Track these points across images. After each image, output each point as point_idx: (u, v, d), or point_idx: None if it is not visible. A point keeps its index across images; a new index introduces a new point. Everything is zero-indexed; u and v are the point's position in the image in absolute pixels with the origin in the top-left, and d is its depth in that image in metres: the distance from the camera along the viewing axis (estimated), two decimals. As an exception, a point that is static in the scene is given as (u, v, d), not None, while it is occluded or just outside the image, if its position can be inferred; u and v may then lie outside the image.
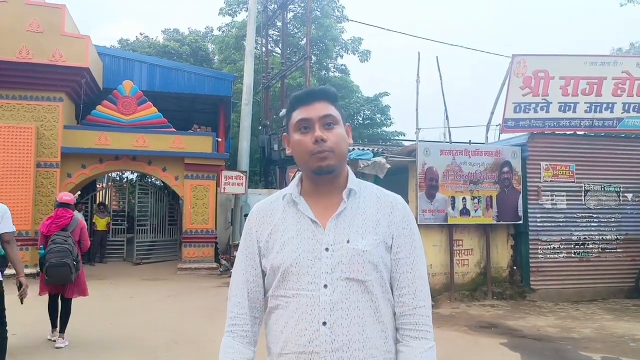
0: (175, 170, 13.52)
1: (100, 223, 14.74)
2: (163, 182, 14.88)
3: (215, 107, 18.25)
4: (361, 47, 27.51)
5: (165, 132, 13.47)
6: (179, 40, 30.46)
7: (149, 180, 22.08)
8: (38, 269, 6.64)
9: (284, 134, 1.69)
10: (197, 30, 33.56)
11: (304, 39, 25.72)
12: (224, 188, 13.94)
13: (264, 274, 1.60)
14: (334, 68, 29.54)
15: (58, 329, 6.21)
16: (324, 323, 1.43)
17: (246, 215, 9.52)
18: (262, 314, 1.62)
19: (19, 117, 12.13)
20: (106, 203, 16.78)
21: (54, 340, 6.18)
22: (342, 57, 28.44)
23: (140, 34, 33.85)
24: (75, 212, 7.06)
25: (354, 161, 9.66)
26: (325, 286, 1.45)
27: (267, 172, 20.16)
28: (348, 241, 1.48)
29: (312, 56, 21.60)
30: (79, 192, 15.74)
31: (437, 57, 10.23)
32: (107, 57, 15.41)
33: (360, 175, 10.24)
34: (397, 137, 27.53)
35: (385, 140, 26.89)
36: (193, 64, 26.55)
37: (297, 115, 1.58)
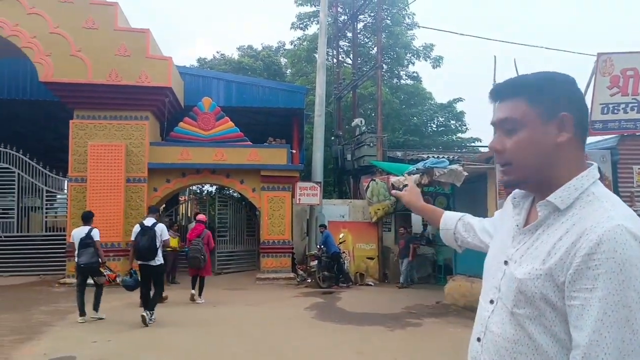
0: (252, 183, 13.91)
1: (173, 242, 15.07)
2: (240, 194, 15.34)
3: (288, 119, 18.62)
4: (433, 53, 27.09)
5: (242, 146, 13.91)
6: (253, 55, 31.43)
7: (227, 192, 22.84)
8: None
9: None
10: (269, 46, 34.47)
11: (375, 48, 25.71)
12: (299, 199, 14.15)
13: (484, 242, 1.64)
14: (405, 76, 29.28)
15: (197, 292, 10.26)
16: (478, 339, 1.34)
17: (321, 226, 9.56)
18: (472, 236, 1.73)
19: (110, 135, 12.99)
20: (178, 222, 17.34)
21: (194, 299, 10.19)
22: (413, 64, 28.16)
23: (217, 52, 35.33)
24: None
25: (429, 169, 9.51)
26: (492, 301, 1.32)
27: (341, 182, 20.26)
28: (515, 262, 1.28)
29: (384, 65, 21.52)
30: (164, 205, 16.55)
31: (514, 59, 9.87)
32: (187, 76, 16.19)
33: (436, 184, 10.07)
34: (473, 144, 26.76)
35: (460, 147, 26.20)
36: (267, 78, 27.28)
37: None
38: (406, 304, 10.24)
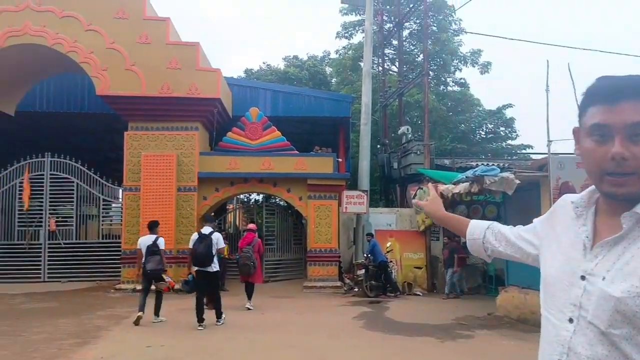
0: (298, 191, 14.00)
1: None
2: (287, 203, 15.47)
3: (334, 128, 18.68)
4: (481, 59, 26.60)
5: (289, 155, 14.04)
6: (299, 65, 31.77)
7: (274, 201, 23.09)
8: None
9: (576, 127, 1.32)
10: (315, 55, 34.76)
11: (421, 56, 25.47)
12: (346, 207, 14.13)
13: (522, 251, 1.54)
14: (452, 82, 28.85)
15: (249, 299, 10.47)
16: None
17: (368, 235, 9.56)
18: (512, 247, 1.59)
19: (162, 146, 13.39)
20: (226, 230, 17.71)
21: (248, 308, 10.35)
22: (460, 70, 27.70)
23: (263, 62, 35.90)
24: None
25: (479, 178, 9.30)
26: (570, 320, 1.24)
27: (387, 190, 20.09)
28: (603, 278, 1.19)
29: (430, 72, 21.29)
30: (212, 214, 16.89)
31: (568, 64, 9.55)
32: (235, 87, 16.54)
33: (487, 192, 9.83)
34: (524, 151, 26.02)
35: (511, 154, 25.53)
36: (312, 87, 27.49)
37: (592, 114, 1.23)
38: (456, 315, 10.01)
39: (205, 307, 8.57)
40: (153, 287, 8.92)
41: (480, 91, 50.22)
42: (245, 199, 28.38)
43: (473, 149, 25.23)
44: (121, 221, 13.98)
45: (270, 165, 13.80)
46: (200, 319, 8.40)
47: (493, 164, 11.27)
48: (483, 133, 27.73)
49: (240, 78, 28.04)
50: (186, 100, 13.17)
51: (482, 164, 10.30)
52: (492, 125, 27.35)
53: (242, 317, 9.61)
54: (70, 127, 19.05)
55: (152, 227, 9.18)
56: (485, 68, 26.56)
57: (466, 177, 10.05)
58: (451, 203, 13.65)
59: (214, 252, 8.52)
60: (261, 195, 24.54)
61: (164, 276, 8.90)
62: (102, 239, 14.70)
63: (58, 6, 12.76)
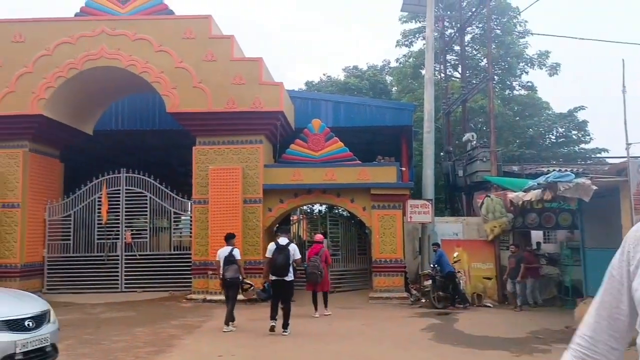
0: (362, 201, 13.95)
1: None
2: (350, 213, 15.45)
3: (396, 137, 18.53)
4: (549, 60, 25.59)
5: (352, 165, 14.04)
6: (359, 75, 31.84)
7: (337, 211, 23.14)
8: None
9: None
10: (374, 65, 34.73)
11: (484, 60, 24.88)
12: (411, 217, 13.93)
13: (632, 300, 1.30)
14: (519, 86, 27.93)
15: (324, 305, 11.01)
16: None
17: (434, 244, 9.35)
18: (622, 347, 1.33)
19: (228, 159, 13.77)
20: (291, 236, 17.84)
21: (326, 313, 10.88)
22: (527, 73, 26.81)
23: (323, 74, 36.25)
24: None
25: (552, 184, 8.91)
26: None
27: (453, 199, 19.66)
28: None
29: (494, 76, 20.71)
30: (277, 225, 17.13)
31: (622, 60, 8.99)
32: (297, 100, 16.79)
33: (560, 199, 9.39)
34: (599, 155, 24.69)
35: (584, 159, 24.29)
36: (372, 97, 27.44)
37: None
38: (531, 328, 9.58)
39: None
40: (240, 296, 9.68)
41: (548, 94, 48.25)
42: (309, 210, 28.64)
43: (543, 155, 24.23)
44: (190, 233, 14.48)
45: (333, 176, 13.84)
46: (273, 318, 8.89)
47: (566, 170, 10.76)
48: (553, 137, 26.59)
49: (302, 90, 28.47)
50: (250, 114, 13.50)
51: (555, 170, 9.84)
52: (563, 129, 26.19)
53: (309, 327, 9.66)
54: (142, 143, 20.04)
55: (228, 238, 9.81)
56: (554, 70, 25.56)
57: (538, 183, 9.65)
58: (521, 211, 13.17)
59: (291, 262, 8.97)
60: (324, 206, 24.70)
61: (246, 281, 9.59)
62: (173, 250, 15.28)
63: (131, 30, 13.49)
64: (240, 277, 9.44)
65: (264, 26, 77.54)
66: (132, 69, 13.44)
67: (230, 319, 9.27)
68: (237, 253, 9.52)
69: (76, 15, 13.90)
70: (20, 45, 13.54)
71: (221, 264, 9.42)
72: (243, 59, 14.04)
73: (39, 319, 5.66)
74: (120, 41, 13.46)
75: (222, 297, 12.34)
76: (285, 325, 8.90)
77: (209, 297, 12.99)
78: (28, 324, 5.45)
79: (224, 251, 9.54)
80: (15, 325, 5.34)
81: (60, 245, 14.66)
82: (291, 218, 21.84)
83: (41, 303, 6.06)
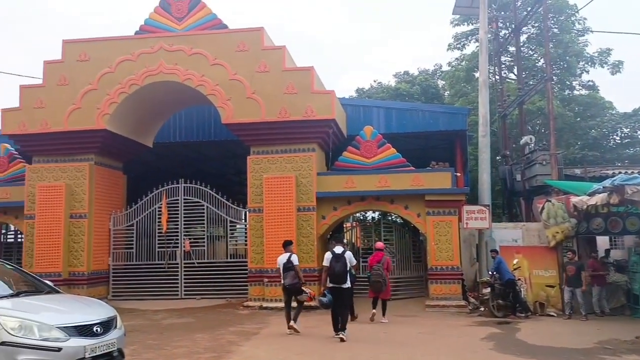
0: (416, 208, 13.77)
1: None
2: (403, 219, 15.27)
3: (450, 142, 18.20)
4: (611, 58, 24.48)
5: (405, 171, 13.89)
6: (410, 81, 31.59)
7: (390, 218, 22.95)
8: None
9: None
10: (426, 69, 34.35)
11: (541, 60, 24.12)
12: (467, 223, 13.62)
13: None
14: (579, 86, 26.85)
15: (381, 313, 11.17)
16: None
17: (493, 251, 9.11)
18: None
19: (281, 168, 13.95)
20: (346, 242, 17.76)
21: (372, 319, 11.01)
22: (587, 72, 25.74)
23: (374, 80, 36.19)
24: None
25: (619, 187, 8.49)
26: None
27: (511, 204, 19.09)
28: None
29: (553, 76, 20.01)
30: (330, 233, 17.16)
31: None
32: (348, 107, 16.81)
33: (628, 203, 8.94)
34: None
35: (652, 159, 23.04)
36: (424, 102, 27.15)
37: None
38: (598, 338, 9.14)
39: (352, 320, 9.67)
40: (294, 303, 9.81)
41: (611, 93, 46.04)
42: (361, 217, 28.55)
43: (607, 156, 23.18)
44: (245, 241, 14.73)
45: (387, 183, 13.74)
46: (337, 331, 9.08)
47: (634, 172, 10.24)
48: (618, 138, 25.40)
49: (353, 98, 28.52)
50: (303, 123, 13.64)
51: (621, 172, 9.38)
52: (628, 129, 24.98)
53: (366, 334, 9.60)
54: (198, 154, 20.67)
55: (286, 245, 10.10)
56: (616, 68, 24.42)
57: (603, 187, 9.23)
58: (585, 216, 12.62)
59: (348, 269, 9.19)
60: (377, 213, 24.55)
61: (303, 288, 9.73)
62: (229, 258, 15.61)
63: (187, 45, 13.97)
64: (300, 282, 9.70)
65: (315, 36, 78.35)
66: (188, 83, 13.90)
67: (293, 318, 9.69)
68: (295, 259, 9.80)
69: (136, 33, 14.54)
70: (85, 64, 14.30)
71: (281, 271, 9.75)
72: (295, 68, 14.23)
73: (107, 325, 5.91)
74: (178, 56, 13.96)
75: (279, 305, 12.62)
76: (343, 328, 9.11)
77: (265, 305, 13.17)
78: (96, 330, 5.71)
79: (282, 258, 9.87)
80: (84, 330, 5.60)
81: (124, 253, 15.29)
82: (344, 225, 21.84)
83: (108, 309, 6.33)
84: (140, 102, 14.62)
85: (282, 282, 9.75)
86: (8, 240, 18.71)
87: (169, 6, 14.48)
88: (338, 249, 9.32)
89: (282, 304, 12.67)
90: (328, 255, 9.32)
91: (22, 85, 14.69)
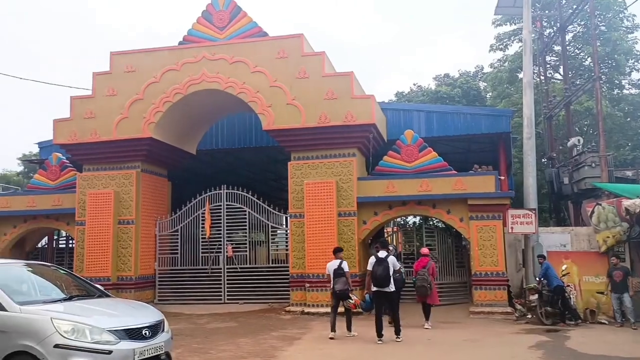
0: (459, 212, 13.52)
1: None
2: (445, 224, 15.02)
3: (492, 144, 17.84)
4: (663, 54, 23.45)
5: (447, 175, 13.68)
6: (450, 83, 31.15)
7: (432, 222, 22.61)
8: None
9: None
10: (467, 72, 33.80)
11: (588, 59, 23.35)
12: (512, 228, 13.28)
13: None
14: (629, 85, 25.84)
15: (425, 318, 11.21)
16: None
17: (540, 256, 8.88)
18: None
19: (322, 173, 13.98)
20: (391, 247, 17.61)
21: (426, 327, 11.00)
22: (638, 70, 24.71)
23: (414, 84, 35.87)
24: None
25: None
26: None
27: (558, 208, 18.52)
28: None
29: (601, 76, 19.33)
30: (371, 238, 17.06)
31: None
32: (388, 111, 16.74)
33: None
34: None
35: None
36: (465, 104, 26.72)
37: None
38: (654, 348, 8.73)
39: (389, 324, 9.78)
40: (341, 309, 10.02)
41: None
42: (402, 222, 28.25)
43: (660, 157, 22.15)
44: (285, 246, 14.80)
45: (428, 187, 13.57)
46: (380, 334, 9.26)
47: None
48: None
49: (392, 102, 28.36)
50: (343, 128, 13.64)
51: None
52: (682, 129, 23.81)
53: (410, 340, 9.47)
54: (240, 160, 21.00)
55: (337, 252, 10.34)
56: (670, 65, 23.37)
57: (657, 189, 8.82)
58: (638, 219, 12.10)
59: (391, 273, 9.31)
60: (418, 217, 24.25)
61: (350, 295, 9.91)
62: (271, 263, 15.73)
63: (229, 54, 14.23)
64: (349, 288, 9.92)
65: (350, 41, 78.38)
66: (230, 91, 14.14)
67: (347, 327, 9.97)
68: (345, 265, 9.98)
69: (180, 43, 14.92)
70: (132, 75, 14.77)
71: (331, 277, 9.95)
72: (334, 74, 14.26)
73: (155, 328, 6.06)
74: (220, 65, 14.23)
75: (320, 310, 12.64)
76: (397, 332, 9.41)
77: (306, 310, 13.21)
78: (145, 333, 5.86)
79: (332, 264, 10.06)
80: (134, 333, 5.75)
81: (169, 258, 15.66)
82: (385, 230, 21.68)
83: (156, 313, 6.49)
84: (184, 111, 14.98)
85: (333, 287, 9.92)
86: (60, 245, 19.46)
87: (211, 16, 14.80)
88: (382, 253, 9.49)
89: (323, 309, 12.79)
90: (372, 260, 9.51)
91: (73, 97, 15.28)
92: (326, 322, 10.16)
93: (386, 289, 9.25)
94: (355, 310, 10.14)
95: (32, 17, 77.27)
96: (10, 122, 63.31)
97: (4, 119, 61.88)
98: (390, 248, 11.89)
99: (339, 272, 9.84)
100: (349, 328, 9.98)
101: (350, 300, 9.84)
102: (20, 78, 22.06)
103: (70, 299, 6.42)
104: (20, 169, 39.70)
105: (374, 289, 9.39)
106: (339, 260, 10.02)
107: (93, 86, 15.14)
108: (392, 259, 9.48)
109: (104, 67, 15.41)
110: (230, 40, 14.46)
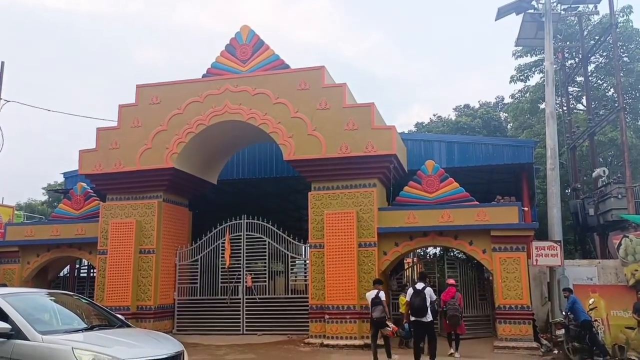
0: (482, 244, 13.31)
1: (402, 301, 13.37)
2: (466, 255, 14.78)
3: (515, 175, 17.64)
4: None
5: (469, 206, 13.52)
6: (470, 114, 31.11)
7: (453, 253, 22.26)
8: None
9: None
10: (487, 102, 33.78)
11: (611, 90, 23.17)
12: (536, 260, 13.02)
13: None
14: (654, 116, 25.49)
15: (455, 348, 11.53)
16: None
17: (566, 290, 8.66)
18: None
19: (342, 204, 13.95)
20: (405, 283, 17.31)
21: (452, 354, 11.37)
22: (664, 101, 24.41)
23: (434, 114, 35.90)
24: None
25: None
26: None
27: (583, 240, 18.11)
28: None
29: (625, 106, 19.14)
30: (391, 270, 16.86)
31: None
32: (409, 142, 16.74)
33: None
34: None
35: None
36: (486, 135, 26.60)
37: None
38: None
39: (422, 353, 10.13)
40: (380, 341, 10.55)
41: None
42: (422, 253, 27.86)
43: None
44: (304, 276, 14.67)
45: (450, 218, 13.42)
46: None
47: None
48: None
49: (412, 132, 28.40)
50: (363, 159, 13.66)
51: None
52: None
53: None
54: (260, 190, 21.09)
55: (376, 283, 11.01)
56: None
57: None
58: (668, 253, 11.77)
59: (428, 304, 9.82)
60: (438, 249, 23.89)
61: (387, 322, 10.42)
62: (289, 293, 15.56)
63: (251, 85, 14.48)
64: (387, 316, 10.47)
65: (375, 74, 79.20)
66: (252, 122, 14.34)
67: (387, 354, 10.49)
68: (382, 295, 10.52)
69: (204, 76, 15.25)
70: (157, 107, 15.10)
71: (369, 305, 10.50)
72: (355, 105, 14.37)
73: (175, 359, 6.01)
74: (242, 97, 14.48)
75: (340, 342, 12.49)
76: (432, 358, 9.95)
77: (326, 342, 13.00)
78: (165, 364, 5.81)
79: (371, 293, 10.62)
80: (155, 364, 5.71)
81: (189, 288, 15.64)
82: (405, 261, 21.39)
83: (176, 344, 6.45)
84: (206, 141, 15.20)
85: (371, 315, 10.44)
86: (81, 274, 19.61)
87: (234, 50, 15.13)
88: (419, 285, 10.06)
89: (343, 342, 12.68)
90: (410, 291, 10.20)
91: (99, 128, 15.63)
92: (346, 354, 10.08)
93: (423, 319, 9.75)
94: (392, 336, 10.67)
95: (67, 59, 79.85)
96: (37, 151, 64.99)
97: (31, 148, 63.59)
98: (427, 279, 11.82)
99: (376, 301, 10.37)
100: (388, 355, 10.47)
101: (388, 328, 10.35)
102: (49, 110, 22.68)
103: (91, 328, 6.43)
104: (44, 198, 40.50)
105: (412, 318, 9.94)
106: (376, 290, 10.53)
107: (119, 117, 15.48)
108: (429, 290, 9.95)
109: (125, 99, 15.77)
110: (252, 73, 14.73)
